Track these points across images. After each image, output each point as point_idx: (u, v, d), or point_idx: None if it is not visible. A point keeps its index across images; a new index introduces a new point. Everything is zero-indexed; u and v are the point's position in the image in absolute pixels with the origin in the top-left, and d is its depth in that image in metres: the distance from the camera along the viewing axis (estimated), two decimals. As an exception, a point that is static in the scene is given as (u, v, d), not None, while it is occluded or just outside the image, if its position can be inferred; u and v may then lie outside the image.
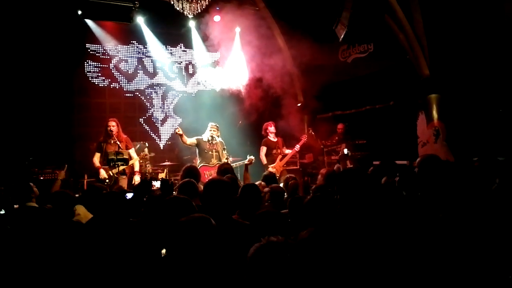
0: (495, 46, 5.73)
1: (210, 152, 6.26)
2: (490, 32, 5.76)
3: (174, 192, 3.71)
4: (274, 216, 2.29)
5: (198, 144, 6.30)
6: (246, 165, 5.64)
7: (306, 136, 7.45)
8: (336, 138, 8.10)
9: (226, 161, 6.14)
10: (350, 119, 8.38)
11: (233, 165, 6.38)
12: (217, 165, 6.09)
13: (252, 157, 6.18)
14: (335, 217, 2.44)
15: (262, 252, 1.43)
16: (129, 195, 3.25)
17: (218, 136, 6.36)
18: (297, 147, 7.25)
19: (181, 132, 6.13)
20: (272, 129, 7.31)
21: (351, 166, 6.85)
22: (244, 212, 2.84)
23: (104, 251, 2.25)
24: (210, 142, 6.28)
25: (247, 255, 1.46)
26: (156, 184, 5.98)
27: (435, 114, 6.75)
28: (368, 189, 2.40)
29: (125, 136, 6.51)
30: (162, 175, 5.57)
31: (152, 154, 7.77)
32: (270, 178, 4.31)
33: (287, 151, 7.27)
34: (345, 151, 6.89)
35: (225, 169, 4.55)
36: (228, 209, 2.54)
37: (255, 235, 1.60)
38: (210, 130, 6.30)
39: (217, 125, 6.45)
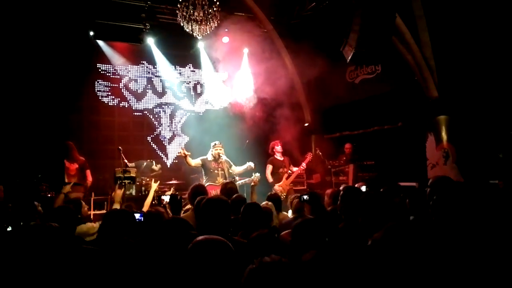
0: (505, 67, 5.70)
1: (216, 171, 6.24)
2: (499, 54, 5.75)
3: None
4: (268, 239, 2.24)
5: (203, 165, 6.28)
6: (252, 186, 5.55)
7: (312, 154, 7.41)
8: (344, 158, 8.03)
9: (234, 179, 6.11)
10: (357, 139, 8.32)
11: (240, 183, 6.36)
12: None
13: (256, 176, 6.14)
14: (342, 239, 2.38)
15: (255, 274, 1.39)
16: (137, 216, 3.21)
17: (223, 154, 6.36)
18: (303, 165, 7.21)
19: (186, 153, 6.10)
20: (278, 148, 7.31)
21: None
22: (246, 232, 2.79)
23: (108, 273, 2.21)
24: (216, 161, 6.26)
25: (241, 278, 1.43)
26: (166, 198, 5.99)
27: (444, 135, 6.68)
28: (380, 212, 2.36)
29: (81, 157, 6.84)
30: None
31: (160, 171, 7.78)
32: (275, 200, 4.24)
33: (294, 169, 7.23)
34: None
35: (230, 188, 4.50)
36: (227, 228, 2.50)
37: (250, 256, 1.57)
38: (216, 149, 6.29)
39: (221, 143, 6.45)
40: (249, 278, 1.39)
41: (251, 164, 6.42)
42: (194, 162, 6.28)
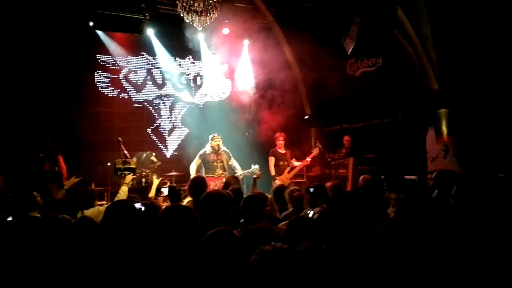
0: (505, 61, 5.68)
1: (215, 163, 6.27)
2: (500, 47, 5.72)
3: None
4: (266, 232, 2.27)
5: (203, 159, 6.31)
6: (254, 179, 5.56)
7: (318, 150, 7.35)
8: (344, 151, 8.03)
9: (233, 171, 6.13)
10: (357, 132, 8.32)
11: (239, 174, 6.38)
12: (222, 175, 6.08)
13: (257, 167, 6.17)
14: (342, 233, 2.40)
15: (266, 257, 1.43)
16: (138, 205, 3.21)
17: (222, 146, 6.38)
18: (308, 160, 7.18)
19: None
20: (281, 141, 7.26)
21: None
22: (247, 223, 2.81)
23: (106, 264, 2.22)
24: (215, 153, 6.28)
25: (249, 259, 1.45)
26: (165, 191, 6.05)
27: (444, 129, 6.67)
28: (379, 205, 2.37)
29: (51, 146, 6.80)
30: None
31: (159, 163, 7.78)
32: (281, 192, 4.26)
33: (296, 163, 7.21)
34: None
35: (229, 182, 4.54)
36: (225, 221, 2.52)
37: (247, 248, 1.59)
38: (215, 141, 6.29)
39: (219, 135, 6.46)
40: (260, 260, 1.43)
41: (257, 167, 6.41)
42: (197, 164, 6.26)
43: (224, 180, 5.33)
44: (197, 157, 6.34)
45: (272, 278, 1.38)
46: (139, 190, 6.95)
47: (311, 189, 3.65)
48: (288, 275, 1.38)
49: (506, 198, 2.22)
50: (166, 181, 7.42)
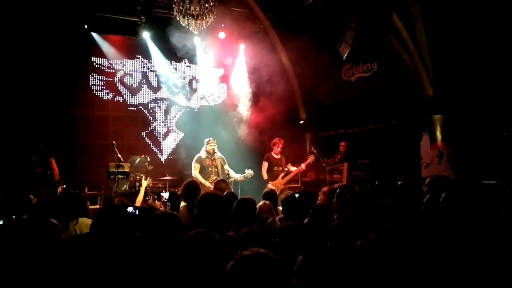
0: (500, 68, 5.73)
1: (210, 168, 6.24)
2: (495, 53, 5.77)
3: None
4: (258, 235, 2.25)
5: (199, 163, 6.27)
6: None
7: (313, 157, 7.33)
8: (339, 156, 8.03)
9: (227, 177, 6.11)
10: (352, 138, 8.33)
11: (234, 179, 6.37)
12: (216, 181, 6.05)
13: (250, 171, 6.15)
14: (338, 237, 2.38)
15: (236, 267, 1.40)
16: (130, 209, 3.17)
17: (217, 151, 6.35)
18: (302, 166, 7.15)
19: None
20: (279, 148, 7.16)
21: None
22: (238, 227, 2.79)
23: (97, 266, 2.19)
24: (210, 157, 6.25)
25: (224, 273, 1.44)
26: (165, 195, 6.03)
27: (438, 135, 6.70)
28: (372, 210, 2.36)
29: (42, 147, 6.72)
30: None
31: (151, 167, 7.71)
32: (271, 196, 4.23)
33: (292, 168, 7.18)
34: None
35: (220, 186, 4.52)
36: (222, 224, 2.50)
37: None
38: (210, 145, 6.27)
39: (215, 139, 6.44)
40: (230, 272, 1.40)
41: (251, 172, 6.39)
42: (197, 170, 6.20)
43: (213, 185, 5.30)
44: (194, 163, 6.28)
45: (248, 283, 1.36)
46: (132, 195, 6.89)
47: (297, 195, 3.61)
48: (265, 280, 1.35)
49: (498, 205, 2.22)
50: (159, 185, 7.37)
